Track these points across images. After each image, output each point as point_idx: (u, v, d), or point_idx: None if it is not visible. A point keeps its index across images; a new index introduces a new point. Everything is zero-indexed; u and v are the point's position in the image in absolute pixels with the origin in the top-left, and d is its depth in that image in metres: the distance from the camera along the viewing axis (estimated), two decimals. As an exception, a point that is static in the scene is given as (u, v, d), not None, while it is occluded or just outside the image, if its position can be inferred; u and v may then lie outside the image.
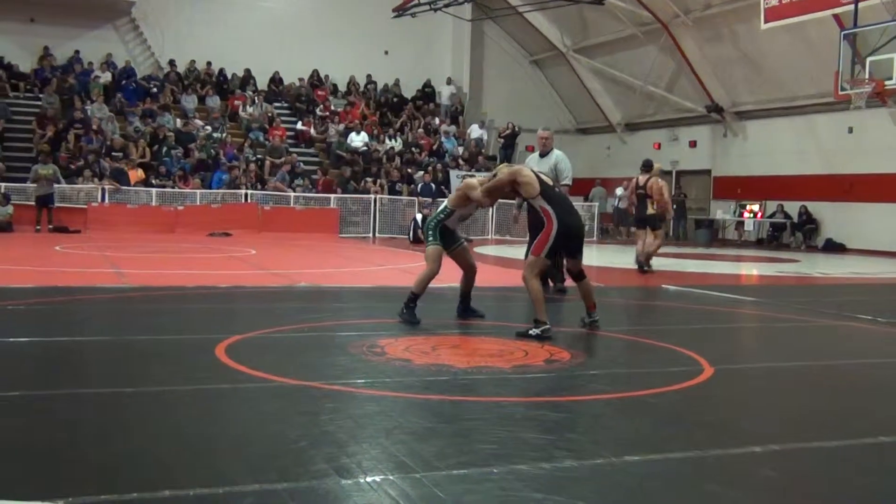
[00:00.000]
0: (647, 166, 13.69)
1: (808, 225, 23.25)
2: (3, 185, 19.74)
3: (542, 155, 10.42)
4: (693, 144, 27.34)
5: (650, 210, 13.48)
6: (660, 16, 24.96)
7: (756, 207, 24.55)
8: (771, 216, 24.31)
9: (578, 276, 7.20)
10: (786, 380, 5.68)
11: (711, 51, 24.85)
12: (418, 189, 23.52)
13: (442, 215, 7.42)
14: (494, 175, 7.28)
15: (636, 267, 13.72)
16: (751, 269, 16.40)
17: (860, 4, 17.88)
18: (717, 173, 26.48)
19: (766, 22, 20.11)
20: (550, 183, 7.07)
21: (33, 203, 19.38)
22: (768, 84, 23.94)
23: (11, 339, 6.04)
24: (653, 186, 13.36)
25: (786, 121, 24.08)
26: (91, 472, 3.24)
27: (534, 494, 3.10)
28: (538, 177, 7.00)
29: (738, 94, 25.29)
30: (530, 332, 6.60)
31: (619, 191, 26.25)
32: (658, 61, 26.50)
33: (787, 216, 23.82)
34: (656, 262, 14.17)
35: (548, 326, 6.62)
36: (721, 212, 25.99)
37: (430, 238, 7.37)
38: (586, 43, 28.70)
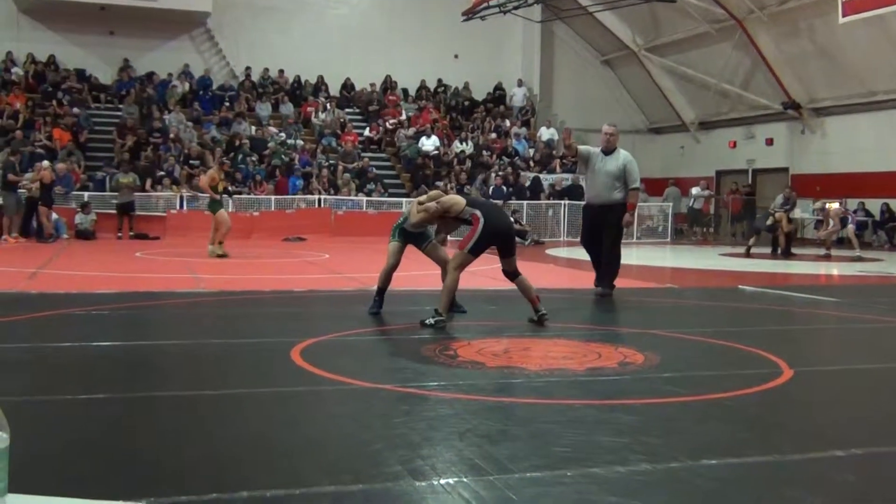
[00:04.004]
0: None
1: (890, 223, 22.57)
2: (86, 194, 20.36)
3: (607, 152, 9.89)
4: (770, 142, 26.72)
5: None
6: (734, 12, 24.51)
7: (836, 206, 23.87)
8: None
9: (514, 275, 7.47)
10: (868, 382, 5.53)
11: (788, 46, 24.28)
12: (490, 192, 23.50)
13: (401, 220, 7.99)
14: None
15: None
16: (831, 269, 15.99)
17: (943, -5, 17.32)
18: (795, 171, 25.84)
19: (844, 16, 19.57)
20: (474, 194, 7.40)
21: (115, 211, 19.97)
22: (847, 79, 23.29)
23: (95, 343, 6.21)
24: None
25: (866, 116, 23.40)
26: (170, 472, 3.31)
27: (608, 498, 3.07)
28: (460, 194, 7.37)
29: (816, 89, 24.65)
30: (426, 321, 6.93)
31: (694, 190, 25.85)
32: (732, 58, 26.01)
33: (868, 214, 23.15)
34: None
35: (443, 319, 6.95)
36: (800, 211, 25.37)
37: (392, 237, 7.94)
38: (658, 41, 28.31)
